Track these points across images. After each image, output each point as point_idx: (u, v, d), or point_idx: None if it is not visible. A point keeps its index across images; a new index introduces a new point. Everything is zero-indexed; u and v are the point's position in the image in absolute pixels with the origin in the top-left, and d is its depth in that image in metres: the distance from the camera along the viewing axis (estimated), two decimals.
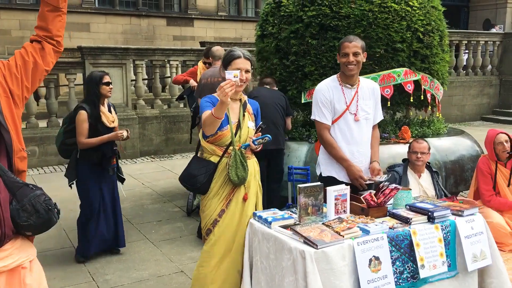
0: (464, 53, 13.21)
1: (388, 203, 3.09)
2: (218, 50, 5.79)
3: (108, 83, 4.24)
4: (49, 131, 8.33)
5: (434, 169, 4.52)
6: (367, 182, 3.37)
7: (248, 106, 3.19)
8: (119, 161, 4.53)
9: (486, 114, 13.69)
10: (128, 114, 8.80)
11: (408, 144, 4.47)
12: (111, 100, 8.76)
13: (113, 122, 4.33)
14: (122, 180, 4.53)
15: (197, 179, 3.01)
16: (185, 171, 3.13)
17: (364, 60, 3.48)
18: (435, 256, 2.80)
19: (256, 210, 3.11)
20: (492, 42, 13.67)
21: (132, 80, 9.32)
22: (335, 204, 2.92)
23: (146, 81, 10.62)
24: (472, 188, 4.92)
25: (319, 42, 5.11)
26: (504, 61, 13.74)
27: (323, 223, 2.76)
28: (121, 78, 8.76)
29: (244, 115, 3.12)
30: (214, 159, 3.05)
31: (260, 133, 3.08)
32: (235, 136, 3.03)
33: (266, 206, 3.66)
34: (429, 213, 2.85)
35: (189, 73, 6.98)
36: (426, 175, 4.45)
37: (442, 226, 2.86)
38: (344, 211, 2.96)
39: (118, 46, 9.32)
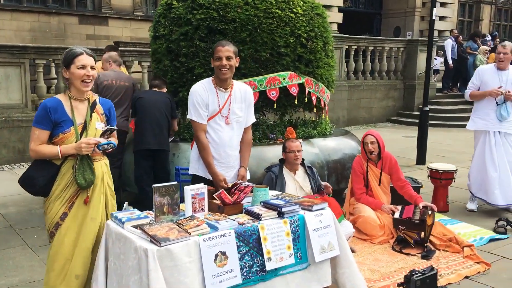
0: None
1: (246, 201, 3.25)
2: (116, 55, 5.80)
3: None
4: None
5: (308, 165, 4.77)
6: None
7: (98, 106, 3.12)
8: None
9: (392, 116, 14.50)
10: (27, 115, 8.45)
11: (282, 145, 4.67)
12: (8, 100, 8.48)
13: None
14: None
15: (36, 181, 2.92)
16: (24, 173, 3.01)
17: (237, 65, 3.62)
18: (283, 249, 2.97)
19: (106, 212, 3.12)
20: (396, 48, 14.51)
21: (32, 80, 8.96)
22: (193, 202, 3.02)
23: (54, 81, 10.22)
24: (349, 186, 5.24)
25: (208, 45, 5.21)
26: (407, 66, 14.63)
27: (176, 222, 2.84)
28: (20, 77, 8.41)
29: (91, 115, 3.05)
30: (57, 161, 2.96)
31: (113, 139, 3.08)
32: (81, 138, 2.95)
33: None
34: (279, 209, 3.02)
35: None
36: (300, 172, 4.69)
37: (291, 220, 3.04)
38: (202, 209, 3.06)
39: (15, 44, 8.91)
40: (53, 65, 9.48)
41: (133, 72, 10.00)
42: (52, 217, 2.99)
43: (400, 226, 4.55)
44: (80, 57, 2.95)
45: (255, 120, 3.81)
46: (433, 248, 4.51)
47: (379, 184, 5.06)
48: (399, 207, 4.87)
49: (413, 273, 3.57)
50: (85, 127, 3.01)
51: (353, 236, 4.74)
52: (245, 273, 2.83)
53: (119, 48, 8.96)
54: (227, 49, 3.49)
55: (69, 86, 3.02)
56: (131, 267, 2.64)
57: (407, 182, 5.13)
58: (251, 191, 3.23)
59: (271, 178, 4.56)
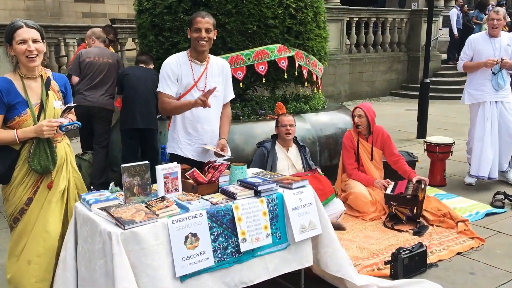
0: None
1: (224, 179, 3.12)
2: (100, 31, 5.64)
3: None
4: None
5: (301, 143, 4.63)
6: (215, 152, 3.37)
7: (53, 82, 2.91)
8: None
9: (395, 90, 14.22)
10: None
11: (275, 120, 4.53)
12: None
13: None
14: None
15: None
16: None
17: (215, 38, 3.45)
18: (259, 229, 2.84)
19: (75, 194, 3.00)
20: (400, 19, 14.13)
21: None
22: (165, 182, 2.89)
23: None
24: (340, 162, 5.09)
25: None
26: (411, 37, 14.27)
27: (145, 203, 2.72)
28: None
29: (47, 94, 2.84)
30: (16, 146, 2.78)
31: (71, 116, 2.91)
32: (39, 120, 2.77)
33: None
34: (255, 187, 2.89)
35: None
36: (294, 149, 4.55)
37: (268, 199, 2.90)
38: (175, 189, 2.93)
39: (3, 23, 8.73)
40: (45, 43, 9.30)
41: (127, 50, 9.82)
42: (16, 202, 2.85)
43: (391, 202, 4.41)
44: (19, 31, 2.71)
45: (233, 96, 3.64)
46: (426, 224, 4.38)
47: (371, 160, 4.90)
48: (392, 183, 4.73)
49: (401, 251, 3.45)
50: (42, 108, 2.81)
51: (344, 213, 4.62)
52: (220, 255, 2.72)
53: (114, 25, 8.80)
54: (207, 21, 3.32)
55: (19, 64, 2.80)
56: (96, 250, 2.53)
57: (400, 156, 4.97)
58: (228, 169, 3.10)
59: (263, 153, 4.42)
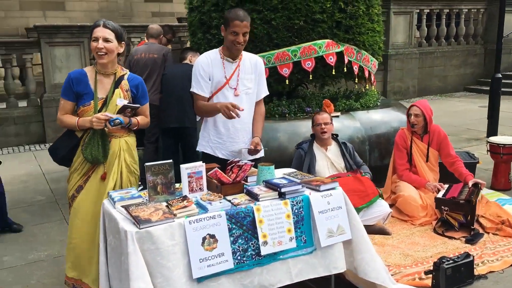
0: None
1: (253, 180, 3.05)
2: (153, 28, 5.77)
3: None
4: (7, 112, 8.37)
5: (342, 141, 4.45)
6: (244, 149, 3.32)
7: (124, 82, 3.07)
8: None
9: (470, 85, 13.38)
10: None
11: (311, 119, 4.39)
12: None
13: None
14: None
15: (57, 151, 3.05)
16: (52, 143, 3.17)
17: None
18: (282, 233, 2.74)
19: None
20: (476, 10, 13.26)
21: (92, 59, 9.25)
22: (189, 182, 2.87)
23: None
24: (391, 162, 4.83)
25: None
26: (489, 29, 13.32)
27: (166, 202, 2.72)
28: (79, 56, 8.70)
29: (114, 91, 3.03)
30: (79, 133, 3.03)
31: (129, 114, 3.04)
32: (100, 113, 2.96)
33: None
34: (279, 189, 2.79)
35: None
36: (334, 147, 4.38)
37: (293, 201, 2.79)
38: (200, 188, 2.91)
39: (74, 24, 9.23)
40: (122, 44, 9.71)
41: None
42: (70, 188, 3.08)
43: (442, 207, 4.11)
44: (95, 30, 2.94)
45: (267, 93, 3.55)
46: (481, 231, 4.04)
47: (427, 161, 4.59)
48: (446, 186, 4.41)
49: (444, 260, 3.20)
50: (105, 102, 3.01)
51: (392, 217, 4.39)
52: (239, 257, 2.65)
53: (180, 24, 8.94)
54: (245, 25, 3.21)
55: (96, 60, 3.03)
56: (118, 247, 2.56)
57: (458, 158, 4.62)
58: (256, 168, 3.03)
59: (300, 155, 4.31)
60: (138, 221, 2.46)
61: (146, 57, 5.37)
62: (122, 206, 2.68)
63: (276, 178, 2.98)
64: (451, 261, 3.19)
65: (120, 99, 3.05)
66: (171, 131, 4.95)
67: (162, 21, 14.01)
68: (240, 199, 2.79)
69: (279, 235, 2.73)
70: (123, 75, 3.10)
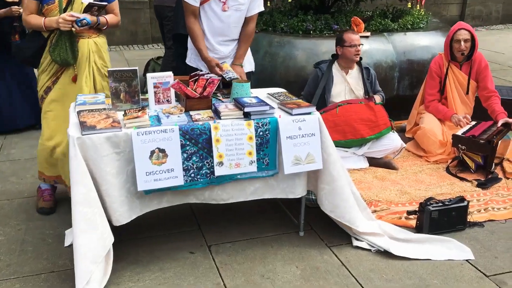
0: None
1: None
2: None
3: None
4: None
5: (365, 65, 4.05)
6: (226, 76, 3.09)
7: None
8: None
9: None
10: None
11: (337, 38, 3.98)
12: None
13: None
14: None
15: (21, 52, 3.00)
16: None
17: None
18: (241, 155, 2.57)
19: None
20: None
21: None
22: (155, 92, 2.75)
23: None
24: (420, 91, 4.36)
25: None
26: None
27: (126, 110, 2.62)
28: None
29: None
30: (45, 33, 2.95)
31: (96, 14, 2.91)
32: (65, 12, 2.85)
33: None
34: (243, 108, 2.58)
35: None
36: (355, 72, 4.03)
37: (258, 123, 2.59)
38: (168, 100, 2.78)
39: None
40: None
41: None
42: (39, 89, 3.06)
43: (459, 145, 3.70)
44: None
45: (262, 9, 3.22)
46: (499, 176, 3.62)
47: (467, 93, 4.09)
48: (473, 122, 3.94)
49: (431, 202, 2.90)
50: (70, 1, 2.90)
51: (407, 151, 4.06)
52: (192, 175, 2.55)
53: None
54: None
55: None
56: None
57: (496, 93, 4.07)
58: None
59: (317, 75, 3.97)
60: (82, 127, 2.40)
61: None
62: (79, 111, 2.64)
63: (248, 97, 2.77)
64: (440, 203, 2.88)
65: None
66: (181, 38, 4.73)
67: None
68: (203, 115, 2.63)
69: (238, 157, 2.57)
70: None
